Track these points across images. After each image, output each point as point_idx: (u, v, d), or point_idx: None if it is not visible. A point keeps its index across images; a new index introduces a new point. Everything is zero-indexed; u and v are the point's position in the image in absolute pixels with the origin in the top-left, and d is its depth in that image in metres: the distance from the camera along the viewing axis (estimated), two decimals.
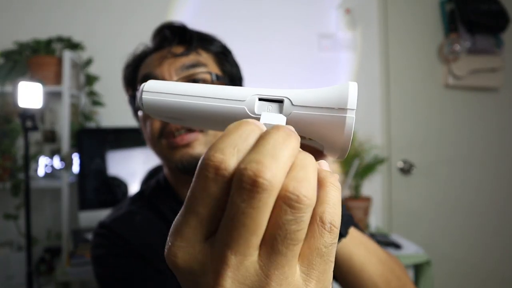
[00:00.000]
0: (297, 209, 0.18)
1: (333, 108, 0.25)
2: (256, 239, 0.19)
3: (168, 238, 0.21)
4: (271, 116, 0.26)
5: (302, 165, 0.20)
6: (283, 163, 0.19)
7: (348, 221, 0.47)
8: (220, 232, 0.19)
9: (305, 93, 0.27)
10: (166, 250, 0.21)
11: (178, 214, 0.21)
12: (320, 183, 0.21)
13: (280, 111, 0.26)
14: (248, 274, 0.19)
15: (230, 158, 0.19)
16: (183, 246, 0.20)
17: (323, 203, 0.20)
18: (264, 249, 0.19)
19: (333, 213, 0.20)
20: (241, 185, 0.18)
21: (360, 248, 0.50)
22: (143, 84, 0.31)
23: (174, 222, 0.21)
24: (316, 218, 0.20)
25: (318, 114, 0.26)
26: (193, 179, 0.20)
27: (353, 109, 0.25)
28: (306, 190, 0.19)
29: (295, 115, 0.26)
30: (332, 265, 0.21)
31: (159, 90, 0.31)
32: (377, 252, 0.53)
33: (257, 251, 0.19)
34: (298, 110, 0.26)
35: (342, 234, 0.46)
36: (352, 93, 0.25)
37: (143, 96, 0.31)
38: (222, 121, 0.28)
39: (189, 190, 0.20)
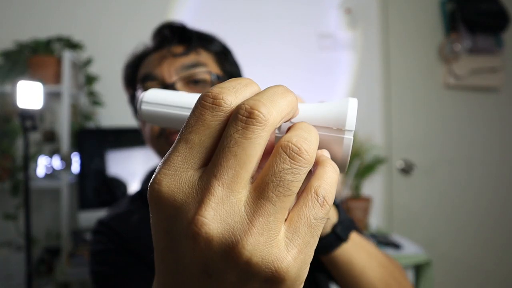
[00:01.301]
0: (296, 161, 0.19)
1: (331, 128, 0.25)
2: (245, 174, 0.18)
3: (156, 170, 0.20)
4: None
5: (307, 129, 0.21)
6: (280, 107, 0.20)
7: (349, 226, 0.47)
8: (210, 163, 0.19)
9: (303, 110, 0.27)
10: (150, 181, 0.20)
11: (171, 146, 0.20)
12: (321, 162, 0.22)
13: (278, 128, 0.26)
14: (232, 212, 0.18)
15: (228, 93, 0.20)
16: (169, 174, 0.19)
17: (320, 178, 0.21)
18: (253, 193, 0.18)
19: (328, 190, 0.20)
20: (237, 117, 0.19)
21: (360, 252, 0.50)
22: (142, 94, 0.31)
23: (166, 154, 0.20)
24: (311, 189, 0.20)
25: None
26: (191, 112, 0.20)
27: (351, 130, 0.25)
28: (308, 147, 0.19)
29: None
30: (317, 241, 0.20)
31: (158, 102, 0.31)
32: (378, 256, 0.53)
33: (245, 191, 0.19)
34: None
35: (343, 238, 0.46)
36: (350, 114, 0.25)
37: (142, 107, 0.31)
38: None
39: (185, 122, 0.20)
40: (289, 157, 0.19)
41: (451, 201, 2.07)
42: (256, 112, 0.18)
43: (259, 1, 1.95)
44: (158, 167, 0.20)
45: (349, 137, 0.25)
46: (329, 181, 0.21)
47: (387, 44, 2.04)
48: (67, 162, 1.53)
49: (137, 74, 0.67)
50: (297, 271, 0.19)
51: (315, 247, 0.20)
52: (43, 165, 1.61)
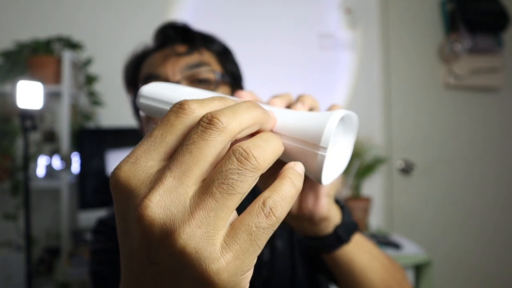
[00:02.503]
0: (243, 164, 0.20)
1: (308, 142, 0.25)
2: (197, 170, 0.20)
3: None
4: None
5: (265, 139, 0.22)
6: (240, 119, 0.22)
7: (353, 228, 0.47)
8: (170, 159, 0.21)
9: (285, 118, 0.26)
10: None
11: None
12: (281, 175, 0.23)
13: None
14: (177, 201, 0.19)
15: (194, 102, 0.22)
16: (130, 162, 0.21)
17: (273, 190, 0.21)
18: (200, 189, 0.20)
19: (278, 202, 0.21)
20: (199, 122, 0.21)
21: (362, 253, 0.50)
22: (141, 88, 0.31)
23: None
24: (259, 199, 0.21)
25: (292, 144, 0.26)
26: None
27: (325, 148, 0.24)
28: (258, 153, 0.20)
29: None
30: (258, 251, 0.20)
31: (156, 96, 0.31)
32: (379, 258, 0.53)
33: (194, 186, 0.20)
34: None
35: (345, 240, 0.46)
36: (328, 130, 0.25)
37: (140, 101, 0.31)
38: None
39: None
40: (237, 159, 0.20)
41: (451, 201, 2.07)
42: (216, 120, 0.20)
43: (259, 1, 1.94)
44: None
45: (322, 154, 0.25)
46: (282, 194, 0.21)
47: (387, 44, 2.04)
48: (67, 162, 1.53)
49: (139, 74, 0.67)
50: (230, 277, 0.19)
51: (255, 257, 0.20)
52: (43, 165, 1.61)
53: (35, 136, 1.62)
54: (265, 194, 0.21)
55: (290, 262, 0.65)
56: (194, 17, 1.85)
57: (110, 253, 0.65)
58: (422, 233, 2.01)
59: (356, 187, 1.83)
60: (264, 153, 0.21)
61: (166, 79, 0.61)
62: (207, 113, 0.21)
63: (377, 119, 2.03)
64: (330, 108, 0.38)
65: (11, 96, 1.33)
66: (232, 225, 0.20)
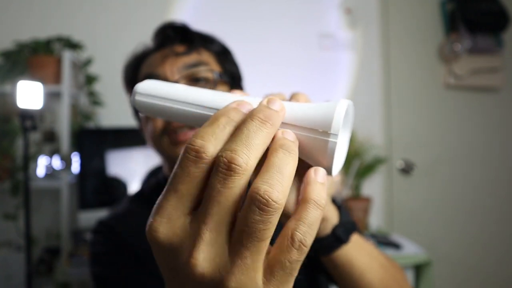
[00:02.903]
0: (266, 212, 0.20)
1: (317, 130, 0.25)
2: (228, 217, 0.21)
3: (150, 216, 0.23)
4: None
5: (279, 167, 0.22)
6: (255, 150, 0.22)
7: (351, 228, 0.47)
8: (199, 211, 0.22)
9: (291, 109, 0.26)
10: (147, 227, 0.22)
11: (161, 194, 0.23)
12: (304, 198, 0.23)
13: None
14: (220, 253, 0.21)
15: (208, 143, 0.22)
16: (164, 222, 0.22)
17: (299, 220, 0.22)
18: (233, 239, 0.21)
19: (306, 232, 0.22)
20: (218, 169, 0.21)
21: (361, 254, 0.50)
22: (137, 85, 0.31)
23: (157, 201, 0.23)
24: (287, 233, 0.22)
25: (302, 134, 0.26)
26: (177, 162, 0.22)
27: (336, 134, 0.24)
28: (277, 196, 0.20)
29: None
30: (294, 277, 0.22)
31: (152, 93, 0.31)
32: (378, 258, 0.52)
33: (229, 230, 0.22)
34: (283, 127, 0.26)
35: (344, 240, 0.46)
36: (337, 117, 0.25)
37: (135, 98, 0.31)
38: None
39: (172, 172, 0.23)
40: (258, 208, 0.20)
41: (451, 201, 2.07)
42: (233, 165, 0.21)
43: (259, 1, 1.94)
44: (152, 213, 0.22)
45: (334, 141, 0.25)
46: (309, 222, 0.22)
47: (387, 44, 2.04)
48: (67, 162, 1.53)
49: (138, 74, 0.67)
50: None
51: (291, 284, 0.22)
52: (43, 165, 1.61)
53: (35, 136, 1.62)
54: (292, 225, 0.22)
55: None
56: (194, 17, 1.85)
57: (110, 255, 0.65)
58: (422, 233, 2.01)
59: (356, 187, 1.83)
60: (282, 188, 0.21)
61: (165, 79, 0.61)
62: (222, 158, 0.21)
63: (377, 119, 2.03)
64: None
65: (11, 96, 1.33)
66: (268, 262, 0.22)
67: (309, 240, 0.21)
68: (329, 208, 0.44)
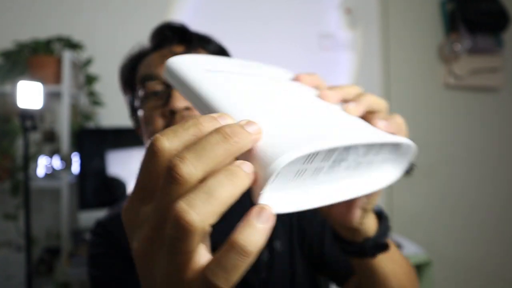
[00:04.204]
0: (178, 230, 0.20)
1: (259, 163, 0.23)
2: (165, 222, 0.22)
3: None
4: None
5: (210, 189, 0.20)
6: (205, 164, 0.21)
7: (381, 247, 0.44)
8: (151, 207, 0.23)
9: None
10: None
11: None
12: (229, 239, 0.21)
13: None
14: (149, 250, 0.23)
15: (164, 139, 0.23)
16: (127, 207, 0.24)
17: (215, 261, 0.22)
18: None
19: (221, 277, 0.21)
20: (165, 175, 0.21)
21: (387, 261, 0.48)
22: (168, 60, 0.32)
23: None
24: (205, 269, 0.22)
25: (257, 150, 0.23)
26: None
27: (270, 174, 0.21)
28: (194, 218, 0.20)
29: None
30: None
31: (178, 74, 0.30)
32: (402, 265, 0.51)
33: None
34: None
35: (369, 255, 0.44)
36: (278, 164, 0.21)
37: (164, 75, 0.32)
38: None
39: None
40: (172, 225, 0.20)
41: (451, 201, 2.07)
42: (175, 174, 0.21)
43: (259, 1, 1.95)
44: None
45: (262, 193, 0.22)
46: (224, 266, 0.21)
47: (387, 44, 2.04)
48: (67, 162, 1.53)
49: (136, 75, 0.67)
50: None
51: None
52: (43, 165, 1.61)
53: (35, 136, 1.62)
54: (209, 263, 0.21)
55: (289, 263, 0.65)
56: (193, 17, 1.86)
57: (106, 257, 0.65)
58: (422, 233, 2.01)
59: None
60: (205, 211, 0.20)
61: (164, 80, 0.61)
62: (171, 162, 0.21)
63: None
64: (390, 125, 0.32)
65: (11, 96, 1.33)
66: None
67: (223, 285, 0.20)
68: (366, 222, 0.41)
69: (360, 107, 0.33)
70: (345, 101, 0.34)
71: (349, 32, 2.01)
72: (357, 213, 0.39)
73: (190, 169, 0.20)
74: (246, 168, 0.22)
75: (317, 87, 0.38)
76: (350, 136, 0.26)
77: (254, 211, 0.21)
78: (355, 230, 0.41)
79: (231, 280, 0.20)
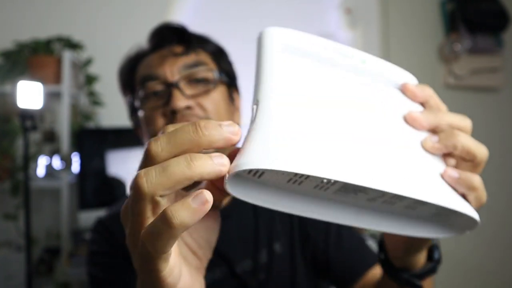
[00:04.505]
0: (134, 194, 0.24)
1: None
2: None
3: None
4: None
5: (166, 164, 0.24)
6: (172, 146, 0.24)
7: (419, 285, 0.42)
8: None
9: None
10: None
11: None
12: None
13: None
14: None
15: (153, 146, 0.25)
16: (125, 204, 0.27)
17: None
18: None
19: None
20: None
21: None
22: (262, 30, 0.33)
23: None
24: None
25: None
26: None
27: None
28: (144, 185, 0.23)
29: None
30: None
31: (259, 47, 0.32)
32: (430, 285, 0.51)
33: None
34: None
35: (405, 285, 0.43)
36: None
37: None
38: None
39: None
40: (131, 189, 0.25)
41: None
42: (147, 150, 0.25)
43: (259, 1, 1.95)
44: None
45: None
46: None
47: (387, 44, 2.04)
48: (67, 162, 1.53)
49: (135, 76, 0.67)
50: None
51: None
52: (43, 165, 1.61)
53: (35, 136, 1.62)
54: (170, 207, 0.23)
55: (290, 265, 0.65)
56: (193, 17, 1.86)
57: (105, 256, 0.65)
58: None
59: None
60: (157, 181, 0.23)
61: (164, 79, 0.61)
62: (135, 176, 0.24)
63: None
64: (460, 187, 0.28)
65: (11, 96, 1.33)
66: None
67: (150, 248, 0.23)
68: (412, 259, 0.41)
69: (439, 147, 0.30)
70: (434, 131, 0.31)
71: (349, 32, 2.01)
72: (400, 245, 0.39)
73: (158, 148, 0.24)
74: (216, 159, 0.24)
75: (425, 102, 0.35)
76: (353, 176, 0.23)
77: (194, 192, 0.23)
78: (399, 260, 0.41)
79: (157, 246, 0.23)
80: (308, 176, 0.24)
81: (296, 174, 0.24)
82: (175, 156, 0.24)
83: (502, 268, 2.09)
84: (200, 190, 0.23)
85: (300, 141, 0.24)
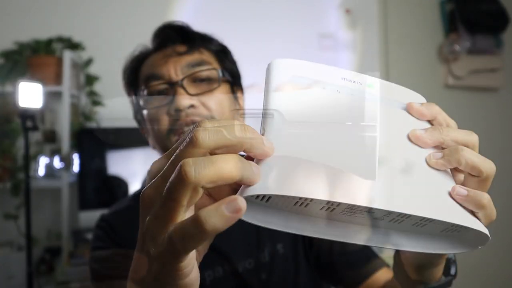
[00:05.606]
0: (177, 179, 0.23)
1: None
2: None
3: None
4: None
5: (216, 158, 0.24)
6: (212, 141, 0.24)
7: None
8: None
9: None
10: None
11: None
12: (198, 211, 0.24)
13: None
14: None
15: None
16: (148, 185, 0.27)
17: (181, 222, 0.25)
18: None
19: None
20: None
21: None
22: (271, 62, 0.34)
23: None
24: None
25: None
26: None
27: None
28: (191, 173, 0.23)
29: None
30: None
31: (267, 76, 0.33)
32: None
33: None
34: None
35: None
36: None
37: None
38: None
39: None
40: (176, 174, 0.23)
41: None
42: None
43: (259, 0, 1.95)
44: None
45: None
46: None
47: (387, 45, 2.04)
48: (67, 162, 1.54)
49: (139, 76, 0.67)
50: None
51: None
52: (44, 165, 1.61)
53: (35, 136, 1.62)
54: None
55: (292, 266, 0.65)
56: (194, 17, 1.85)
57: (108, 252, 0.65)
58: None
59: None
60: (204, 172, 0.22)
61: (169, 78, 0.61)
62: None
63: None
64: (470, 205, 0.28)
65: (12, 96, 1.33)
66: None
67: (179, 247, 0.23)
68: (424, 274, 0.41)
69: (443, 163, 0.29)
70: (438, 147, 0.31)
71: (349, 32, 2.01)
72: (414, 261, 0.40)
73: (206, 137, 0.24)
74: (254, 168, 0.24)
75: (433, 119, 0.35)
76: (354, 198, 0.24)
77: (228, 198, 0.22)
78: (412, 270, 0.41)
79: (185, 246, 0.23)
80: (312, 199, 0.25)
81: (300, 197, 0.25)
82: (215, 150, 0.24)
83: (502, 268, 2.09)
84: (234, 197, 0.22)
85: (303, 167, 0.25)
